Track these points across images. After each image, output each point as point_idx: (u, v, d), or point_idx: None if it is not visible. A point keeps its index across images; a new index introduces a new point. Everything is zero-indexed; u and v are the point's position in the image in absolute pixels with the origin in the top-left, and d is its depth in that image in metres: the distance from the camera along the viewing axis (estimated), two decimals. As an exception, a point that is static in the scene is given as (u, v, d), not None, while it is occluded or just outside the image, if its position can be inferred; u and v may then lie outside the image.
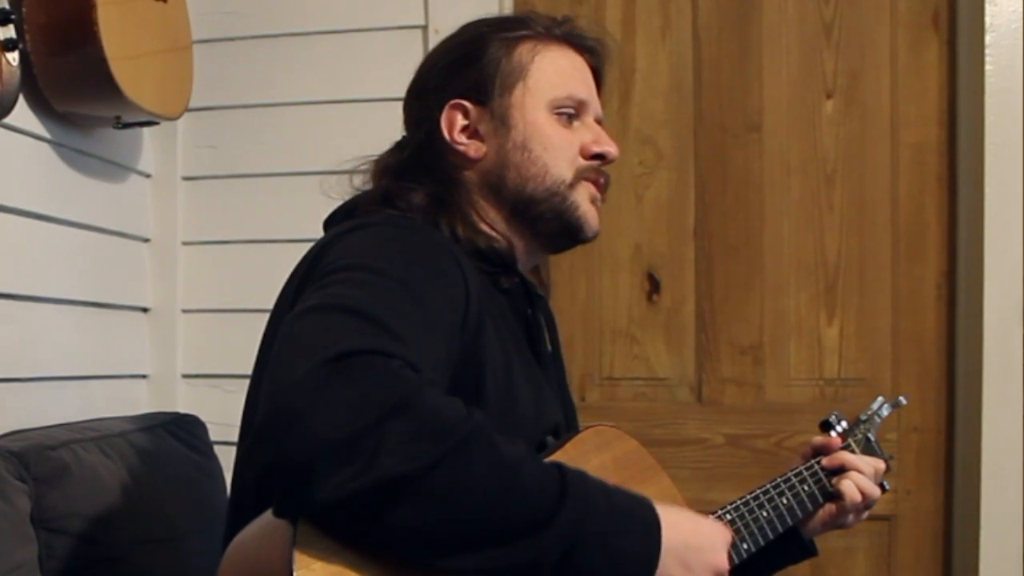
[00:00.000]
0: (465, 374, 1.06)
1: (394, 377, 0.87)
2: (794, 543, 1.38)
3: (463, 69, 1.26)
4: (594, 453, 1.17)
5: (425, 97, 1.28)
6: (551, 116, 1.25)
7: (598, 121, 1.30)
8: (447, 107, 1.25)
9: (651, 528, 0.96)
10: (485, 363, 1.09)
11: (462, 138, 1.25)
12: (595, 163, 1.27)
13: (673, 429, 2.15)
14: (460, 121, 1.25)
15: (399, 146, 1.29)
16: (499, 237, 1.25)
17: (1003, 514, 1.95)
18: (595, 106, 1.30)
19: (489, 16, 1.37)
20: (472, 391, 1.07)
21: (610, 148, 1.27)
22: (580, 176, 1.25)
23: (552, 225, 1.25)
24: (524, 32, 1.27)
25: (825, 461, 1.38)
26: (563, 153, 1.24)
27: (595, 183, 1.27)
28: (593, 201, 1.27)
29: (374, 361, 0.87)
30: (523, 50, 1.26)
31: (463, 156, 1.25)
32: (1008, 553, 1.95)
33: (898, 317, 2.10)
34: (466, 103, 1.25)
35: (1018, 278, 1.96)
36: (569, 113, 1.26)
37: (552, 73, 1.26)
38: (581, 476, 0.93)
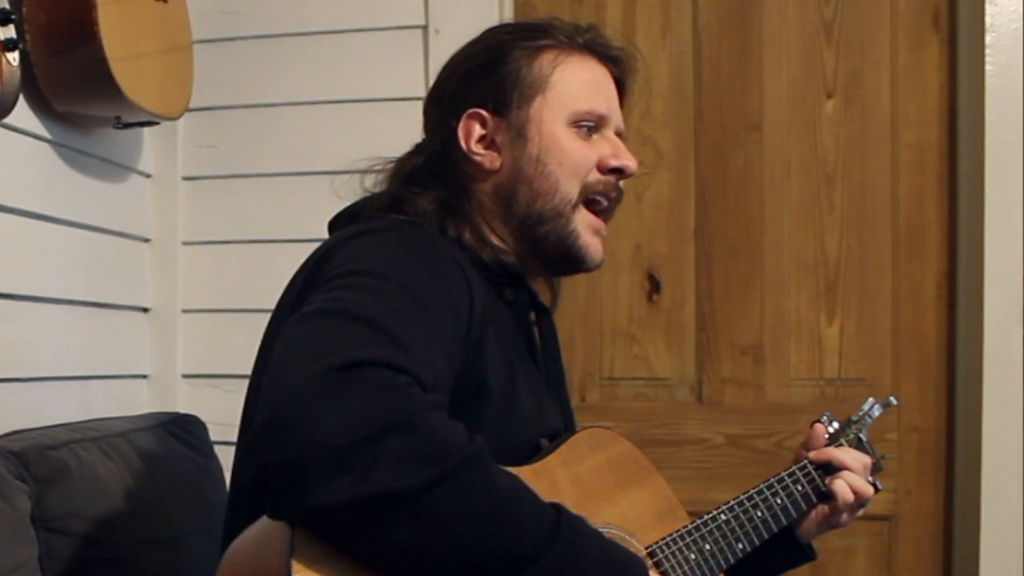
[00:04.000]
0: (467, 380, 1.05)
1: (400, 393, 0.86)
2: (792, 546, 1.38)
3: (483, 78, 1.24)
4: (589, 454, 1.17)
5: (443, 104, 1.27)
6: (569, 130, 1.23)
7: (619, 134, 1.28)
8: (465, 116, 1.24)
9: None
10: (487, 370, 1.09)
11: (479, 148, 1.24)
12: (611, 178, 1.25)
13: (673, 429, 2.15)
14: (477, 131, 1.24)
15: (415, 151, 1.29)
16: (508, 249, 1.24)
17: (1003, 514, 1.95)
18: (616, 119, 1.28)
19: (511, 21, 1.35)
20: (474, 396, 1.07)
21: (628, 162, 1.25)
22: (587, 192, 1.23)
23: (554, 250, 1.24)
24: (546, 41, 1.25)
25: (813, 455, 1.37)
26: (577, 169, 1.23)
27: (606, 198, 1.25)
28: (596, 232, 1.26)
29: (381, 374, 0.86)
30: (544, 60, 1.24)
31: (478, 167, 1.24)
32: (1008, 553, 1.95)
33: (898, 317, 2.10)
34: (484, 113, 1.23)
35: (1018, 278, 1.96)
36: (588, 127, 1.24)
37: (573, 85, 1.24)
38: (579, 521, 0.92)
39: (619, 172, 1.26)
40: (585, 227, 1.24)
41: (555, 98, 1.23)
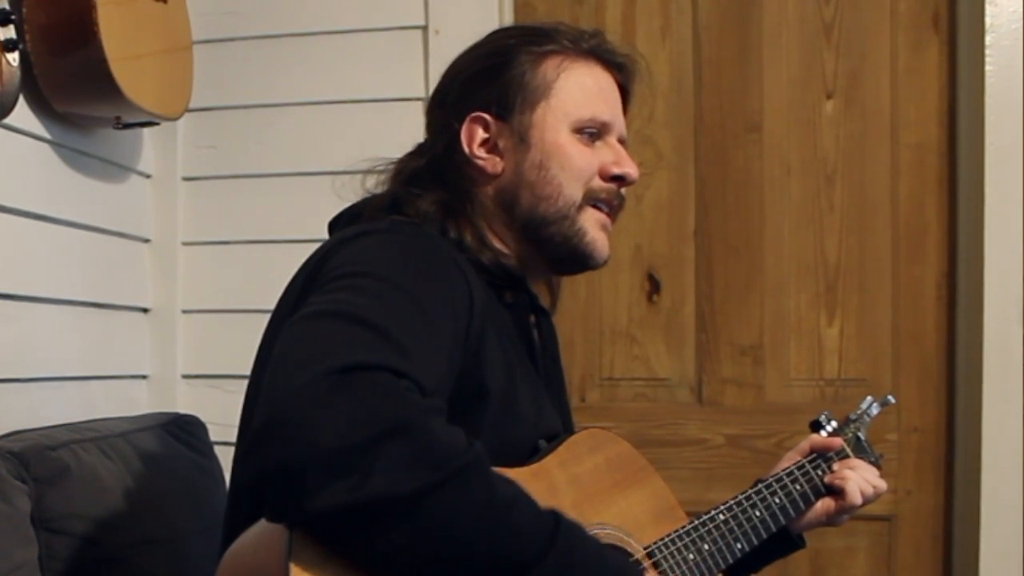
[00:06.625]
0: (467, 382, 1.05)
1: (400, 398, 0.86)
2: (782, 538, 1.39)
3: (487, 82, 1.24)
4: (587, 455, 1.18)
5: (447, 107, 1.27)
6: (572, 136, 1.23)
7: (621, 141, 1.28)
8: (468, 120, 1.24)
9: None
10: (487, 372, 1.09)
11: (481, 152, 1.24)
12: (613, 185, 1.25)
13: (673, 429, 2.15)
14: (480, 135, 1.24)
15: (417, 152, 1.28)
16: (509, 253, 1.24)
17: (1003, 514, 1.95)
18: (619, 126, 1.28)
19: (516, 25, 1.34)
20: (473, 398, 1.07)
21: (630, 170, 1.26)
22: (590, 197, 1.24)
23: (561, 250, 1.24)
24: (551, 47, 1.25)
25: (836, 467, 1.39)
26: (579, 174, 1.23)
27: (608, 205, 1.26)
28: (603, 228, 1.26)
29: (381, 378, 0.86)
30: (548, 66, 1.24)
31: (480, 171, 1.24)
32: (1008, 553, 1.95)
33: (898, 317, 2.10)
34: (487, 117, 1.23)
35: (1018, 278, 1.96)
36: (591, 133, 1.24)
37: (576, 92, 1.24)
38: (576, 528, 0.93)
39: (621, 180, 1.26)
40: (592, 224, 1.24)
41: (558, 104, 1.23)
